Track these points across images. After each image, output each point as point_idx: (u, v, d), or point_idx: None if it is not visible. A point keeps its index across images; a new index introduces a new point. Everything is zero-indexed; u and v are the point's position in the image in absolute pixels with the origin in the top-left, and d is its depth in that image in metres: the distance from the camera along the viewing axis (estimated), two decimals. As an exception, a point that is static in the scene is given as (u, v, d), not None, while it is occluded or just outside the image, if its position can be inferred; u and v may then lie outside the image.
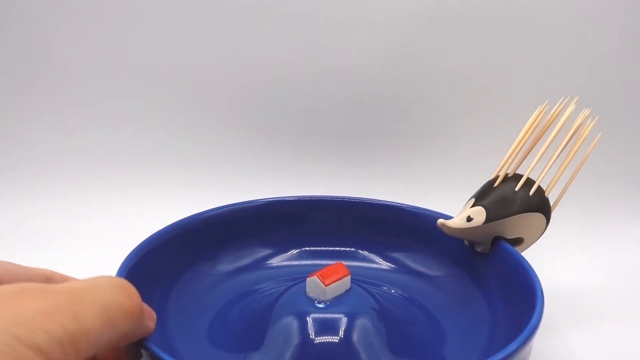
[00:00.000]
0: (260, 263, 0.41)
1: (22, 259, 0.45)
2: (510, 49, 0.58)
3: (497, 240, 0.37)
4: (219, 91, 0.60)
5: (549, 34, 0.57)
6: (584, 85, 0.58)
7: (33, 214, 0.54)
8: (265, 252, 0.42)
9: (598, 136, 0.39)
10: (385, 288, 0.40)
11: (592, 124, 0.38)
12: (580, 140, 0.38)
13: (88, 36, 0.58)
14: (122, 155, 0.59)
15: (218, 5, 0.58)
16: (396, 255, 0.42)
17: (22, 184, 0.57)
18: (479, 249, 0.37)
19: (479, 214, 0.35)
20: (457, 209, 0.40)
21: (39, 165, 0.58)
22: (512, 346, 0.26)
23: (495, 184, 0.37)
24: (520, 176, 0.37)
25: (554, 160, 0.37)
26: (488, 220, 0.35)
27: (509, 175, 0.37)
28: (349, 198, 0.43)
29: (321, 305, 0.33)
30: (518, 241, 0.38)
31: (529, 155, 0.39)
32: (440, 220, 0.35)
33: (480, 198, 0.36)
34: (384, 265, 0.42)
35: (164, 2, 0.58)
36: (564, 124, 0.38)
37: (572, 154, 0.38)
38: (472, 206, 0.36)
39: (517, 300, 0.33)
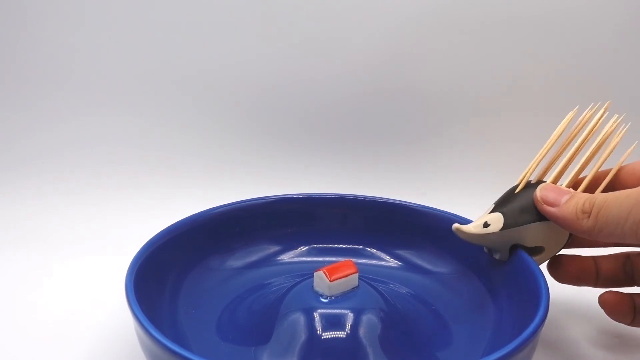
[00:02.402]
0: (269, 259, 0.42)
1: (30, 256, 0.46)
2: (511, 47, 0.58)
3: (514, 247, 0.36)
4: (226, 90, 0.60)
5: (564, 37, 0.57)
6: (612, 90, 0.57)
7: (38, 213, 0.54)
8: (274, 248, 0.42)
9: (634, 145, 0.36)
10: (392, 285, 0.40)
11: (624, 131, 0.36)
12: (610, 148, 0.36)
13: (90, 35, 0.59)
14: (127, 152, 0.59)
15: (218, 4, 0.58)
16: (404, 253, 0.43)
17: (27, 183, 0.57)
18: (497, 257, 0.37)
19: (497, 221, 0.34)
20: (466, 208, 0.41)
21: (42, 164, 0.59)
22: (512, 345, 0.27)
23: (517, 191, 0.36)
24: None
25: (580, 168, 0.36)
26: (505, 227, 0.34)
27: (531, 182, 0.36)
28: (358, 196, 0.43)
29: (325, 300, 0.33)
30: (538, 250, 0.36)
31: (555, 163, 0.37)
32: (456, 225, 0.34)
33: (500, 204, 0.35)
34: (392, 262, 0.43)
35: (165, 1, 0.58)
36: (593, 130, 0.36)
37: (600, 162, 0.36)
38: (491, 212, 0.35)
39: (523, 302, 0.33)
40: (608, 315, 0.36)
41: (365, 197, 0.43)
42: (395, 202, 0.43)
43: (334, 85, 0.60)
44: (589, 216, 0.31)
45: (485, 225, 0.34)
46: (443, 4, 0.58)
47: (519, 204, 0.35)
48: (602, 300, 0.36)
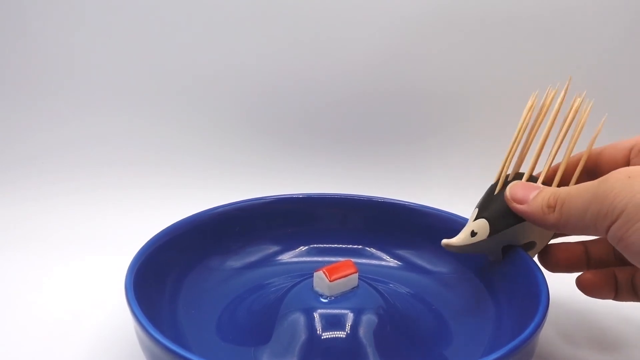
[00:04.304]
0: (269, 259, 0.42)
1: (30, 256, 0.47)
2: (511, 46, 0.58)
3: (508, 245, 0.36)
4: (226, 90, 0.60)
5: (564, 37, 0.58)
6: (612, 89, 0.57)
7: (38, 213, 0.54)
8: (274, 248, 0.42)
9: (604, 118, 0.34)
10: (392, 285, 0.40)
11: (590, 106, 0.35)
12: (580, 126, 0.35)
13: (90, 35, 0.58)
14: (127, 152, 0.59)
15: (218, 4, 0.58)
16: (403, 252, 0.43)
17: (27, 183, 0.57)
18: (491, 259, 0.37)
19: (483, 228, 0.34)
20: (466, 208, 0.40)
21: (42, 164, 0.59)
22: (511, 345, 0.27)
23: (496, 191, 0.35)
24: (522, 176, 0.36)
25: (556, 153, 0.35)
26: (492, 232, 0.34)
27: (509, 179, 0.36)
28: (357, 196, 0.43)
29: (325, 300, 0.33)
30: (530, 245, 0.36)
31: (528, 152, 0.36)
32: (444, 241, 0.34)
33: (482, 208, 0.35)
34: (392, 262, 0.43)
35: (165, 1, 0.58)
36: (558, 110, 0.36)
37: (573, 142, 0.35)
38: (476, 218, 0.35)
39: (523, 302, 0.33)
40: (587, 295, 0.36)
41: (365, 197, 0.43)
42: (395, 202, 0.43)
43: (334, 85, 0.60)
44: (554, 210, 0.31)
45: (473, 234, 0.34)
46: (443, 4, 0.58)
47: (501, 207, 0.34)
48: (578, 281, 0.36)
